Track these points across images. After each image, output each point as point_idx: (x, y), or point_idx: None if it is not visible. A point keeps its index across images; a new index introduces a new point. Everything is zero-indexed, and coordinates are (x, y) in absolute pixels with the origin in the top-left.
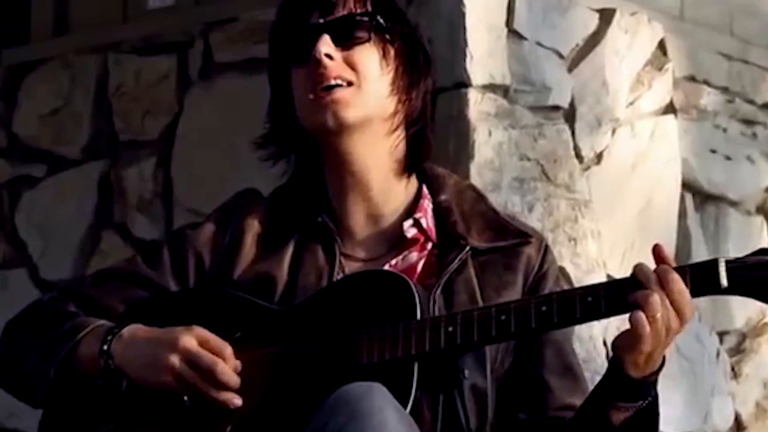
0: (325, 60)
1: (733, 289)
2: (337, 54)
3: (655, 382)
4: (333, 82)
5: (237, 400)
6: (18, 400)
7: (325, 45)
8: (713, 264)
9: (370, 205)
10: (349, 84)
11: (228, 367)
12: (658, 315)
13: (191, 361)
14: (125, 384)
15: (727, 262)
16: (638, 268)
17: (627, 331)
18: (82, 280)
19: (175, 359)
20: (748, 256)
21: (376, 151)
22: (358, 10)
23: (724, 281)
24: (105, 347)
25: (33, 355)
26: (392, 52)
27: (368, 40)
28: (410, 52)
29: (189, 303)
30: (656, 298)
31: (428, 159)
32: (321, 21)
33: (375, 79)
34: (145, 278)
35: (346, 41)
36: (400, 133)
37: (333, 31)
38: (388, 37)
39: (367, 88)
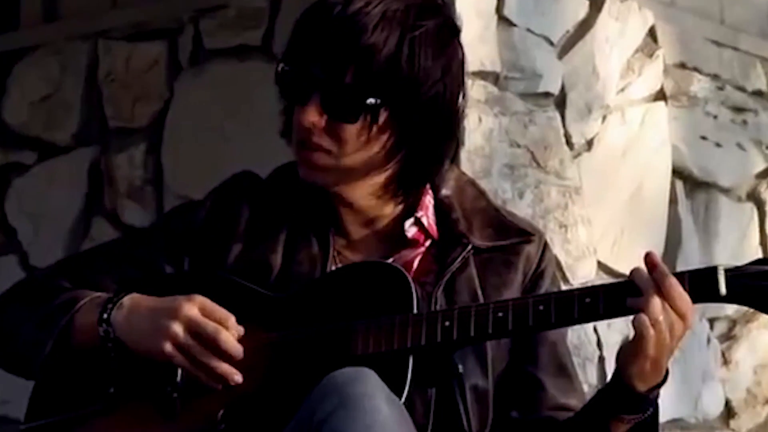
0: (309, 127)
1: (732, 298)
2: (322, 121)
3: (658, 395)
4: (312, 147)
5: (237, 377)
6: (6, 371)
7: (311, 114)
8: (712, 271)
9: (364, 216)
10: (329, 152)
11: (231, 336)
12: (660, 318)
13: (193, 330)
14: (118, 362)
15: (727, 270)
16: (636, 273)
17: (631, 340)
18: (74, 258)
19: (177, 327)
20: (747, 264)
21: (362, 191)
22: (354, 80)
23: (722, 289)
24: (105, 315)
25: (28, 326)
26: (381, 127)
27: (354, 121)
28: (409, 117)
29: (183, 286)
30: (657, 302)
31: (433, 176)
32: (319, 75)
33: (355, 152)
34: (139, 259)
35: (333, 111)
36: (394, 173)
37: (324, 92)
38: (377, 114)
39: (346, 159)
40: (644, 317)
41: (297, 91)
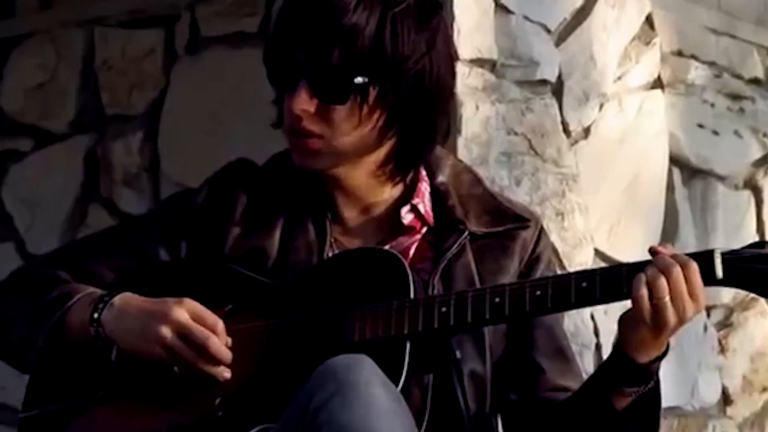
0: (299, 113)
1: (728, 281)
2: (312, 106)
3: (659, 368)
4: (305, 132)
5: (227, 374)
6: (4, 362)
7: (300, 101)
8: (709, 255)
9: (360, 200)
10: (321, 136)
11: (220, 342)
12: (666, 299)
13: (183, 334)
14: (115, 353)
15: (723, 253)
16: (659, 258)
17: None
18: (70, 246)
19: (166, 331)
20: (744, 248)
21: (356, 173)
22: (340, 62)
23: (719, 273)
24: (96, 315)
25: (21, 321)
26: (371, 106)
27: (344, 102)
28: (398, 93)
29: (180, 274)
30: (663, 282)
31: (428, 154)
32: (304, 62)
33: (347, 133)
34: (135, 247)
35: (321, 94)
36: (388, 151)
37: (312, 77)
38: (366, 93)
39: (338, 142)
40: (641, 276)
41: (285, 79)
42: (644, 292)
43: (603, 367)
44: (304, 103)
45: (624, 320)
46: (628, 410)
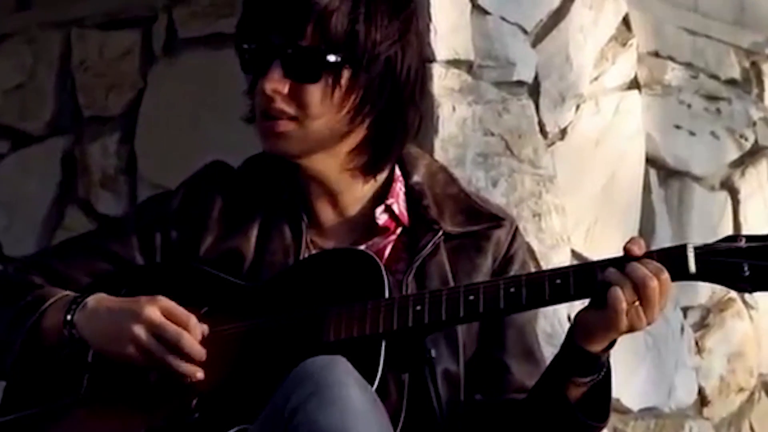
0: (272, 94)
1: (702, 275)
2: (285, 86)
3: (609, 356)
4: (276, 114)
5: (199, 374)
6: None
7: (273, 81)
8: (682, 250)
9: (335, 198)
10: (293, 118)
11: (193, 339)
12: (641, 309)
13: (155, 333)
14: (90, 355)
15: (696, 248)
16: (635, 269)
17: (598, 309)
18: (46, 252)
19: (139, 330)
20: (716, 242)
21: (329, 163)
22: (313, 42)
23: (692, 267)
24: (69, 317)
25: None
26: (344, 88)
27: (316, 81)
28: (370, 77)
29: (155, 277)
30: (656, 284)
31: (400, 149)
32: (277, 43)
33: (319, 115)
34: (111, 251)
35: (295, 74)
36: (359, 142)
37: (284, 57)
38: (339, 74)
39: (310, 124)
40: (618, 290)
41: (258, 62)
42: (623, 306)
43: (556, 360)
44: (276, 83)
45: (583, 319)
46: (581, 401)
